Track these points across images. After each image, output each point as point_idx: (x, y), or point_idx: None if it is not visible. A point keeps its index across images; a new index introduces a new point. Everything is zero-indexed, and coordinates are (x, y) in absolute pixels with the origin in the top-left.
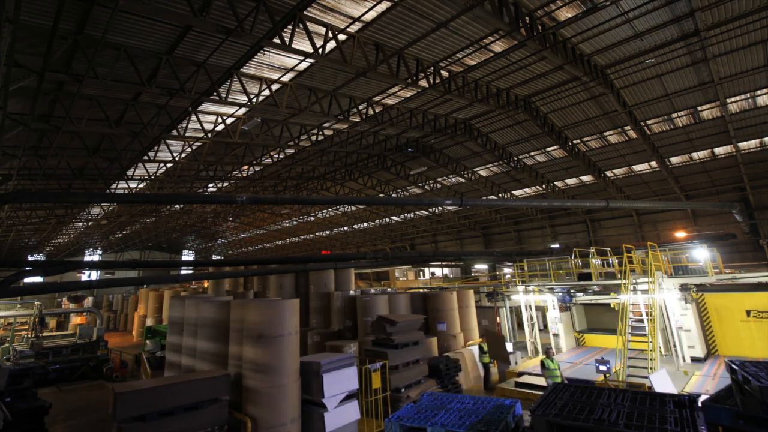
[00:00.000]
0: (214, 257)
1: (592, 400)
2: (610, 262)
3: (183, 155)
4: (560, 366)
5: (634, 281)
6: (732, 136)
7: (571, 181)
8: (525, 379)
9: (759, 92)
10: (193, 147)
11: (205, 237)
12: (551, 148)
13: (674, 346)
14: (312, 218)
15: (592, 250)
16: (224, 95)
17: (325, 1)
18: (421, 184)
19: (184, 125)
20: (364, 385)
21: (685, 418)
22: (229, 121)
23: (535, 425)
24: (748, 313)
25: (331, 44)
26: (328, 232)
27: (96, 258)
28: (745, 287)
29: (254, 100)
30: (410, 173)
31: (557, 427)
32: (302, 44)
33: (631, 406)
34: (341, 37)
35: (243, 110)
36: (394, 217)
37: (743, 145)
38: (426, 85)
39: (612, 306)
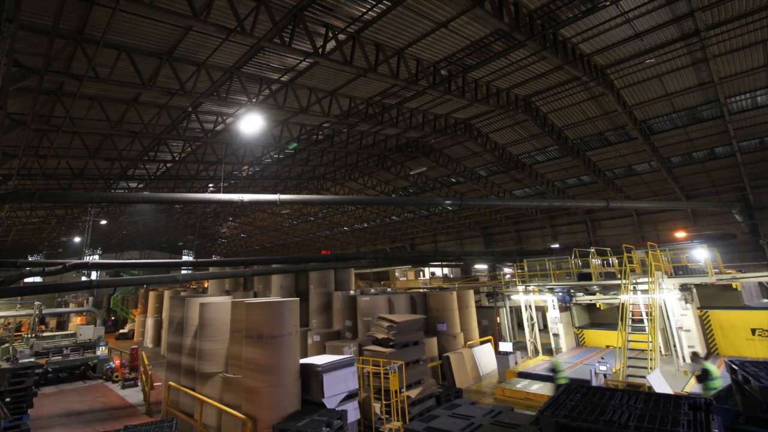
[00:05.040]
0: (214, 257)
1: (604, 402)
2: (610, 262)
3: (183, 155)
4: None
5: (634, 281)
6: (732, 136)
7: (571, 181)
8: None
9: (759, 92)
10: (193, 147)
11: (205, 237)
12: (551, 148)
13: (674, 346)
14: (312, 218)
15: (592, 250)
16: (224, 95)
17: (325, 1)
18: (421, 184)
19: (184, 125)
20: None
21: (699, 420)
22: (229, 121)
23: (543, 426)
24: (753, 331)
25: (332, 44)
26: (328, 232)
27: (96, 258)
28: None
29: (254, 100)
30: (410, 173)
31: (566, 428)
32: (302, 44)
33: (644, 407)
34: (341, 37)
35: (243, 110)
36: (394, 217)
37: (743, 145)
38: (426, 85)
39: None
